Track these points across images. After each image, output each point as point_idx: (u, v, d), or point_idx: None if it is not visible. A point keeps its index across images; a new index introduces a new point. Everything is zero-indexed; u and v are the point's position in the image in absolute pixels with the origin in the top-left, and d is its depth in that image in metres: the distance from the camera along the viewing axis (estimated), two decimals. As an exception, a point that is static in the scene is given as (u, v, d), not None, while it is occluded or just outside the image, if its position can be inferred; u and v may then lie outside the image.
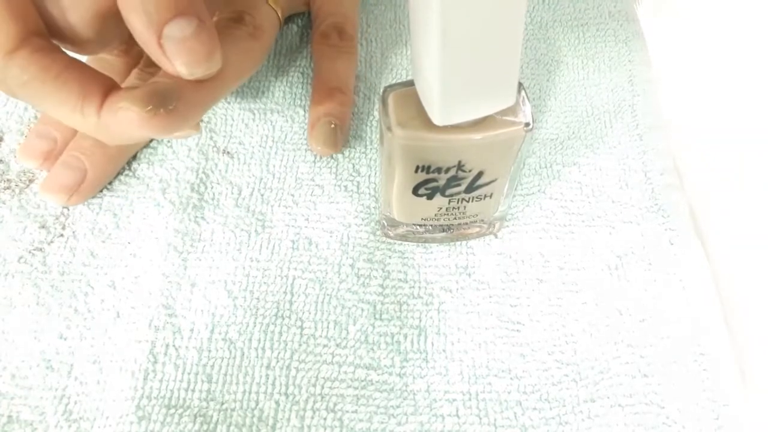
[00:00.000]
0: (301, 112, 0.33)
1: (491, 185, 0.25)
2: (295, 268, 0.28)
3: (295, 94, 0.34)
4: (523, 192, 0.31)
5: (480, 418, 0.25)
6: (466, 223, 0.28)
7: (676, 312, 0.27)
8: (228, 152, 0.32)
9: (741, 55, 0.30)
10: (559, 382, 0.26)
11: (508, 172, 0.25)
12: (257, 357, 0.26)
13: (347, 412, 0.25)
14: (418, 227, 0.28)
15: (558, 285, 0.28)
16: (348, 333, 0.27)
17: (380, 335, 0.27)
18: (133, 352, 0.26)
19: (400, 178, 0.25)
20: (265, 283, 0.28)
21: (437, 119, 0.21)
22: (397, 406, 0.25)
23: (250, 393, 0.25)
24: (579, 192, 0.31)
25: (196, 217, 0.29)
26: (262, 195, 0.30)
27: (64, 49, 0.22)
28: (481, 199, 0.26)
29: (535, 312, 0.27)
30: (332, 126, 0.31)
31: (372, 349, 0.26)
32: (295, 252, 0.29)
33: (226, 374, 0.26)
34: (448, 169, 0.24)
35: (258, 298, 0.27)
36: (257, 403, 0.25)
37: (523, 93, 0.23)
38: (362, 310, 0.27)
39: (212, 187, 0.30)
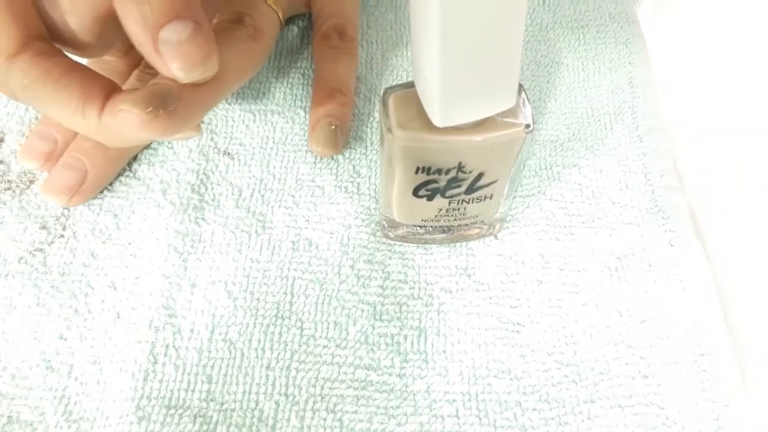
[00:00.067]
0: (302, 113, 0.33)
1: (491, 186, 0.25)
2: (296, 269, 0.28)
3: (296, 96, 0.34)
4: (523, 193, 0.31)
5: (480, 419, 0.25)
6: (467, 225, 0.28)
7: (676, 313, 0.27)
8: (228, 153, 0.32)
9: (741, 55, 0.30)
10: (558, 383, 0.26)
11: (509, 174, 0.25)
12: (257, 357, 0.26)
13: (347, 412, 0.25)
14: (418, 228, 0.28)
15: (558, 286, 0.28)
16: (348, 334, 0.27)
17: (380, 336, 0.27)
18: (133, 353, 0.26)
19: (400, 180, 0.25)
20: (265, 283, 0.28)
21: (437, 121, 0.21)
22: (397, 407, 0.25)
23: (250, 393, 0.25)
24: (579, 193, 0.31)
25: (197, 218, 0.30)
26: (262, 196, 0.30)
27: (66, 53, 0.22)
28: (481, 200, 0.26)
29: (535, 313, 0.27)
30: (333, 127, 0.31)
31: (372, 349, 0.26)
32: (296, 253, 0.29)
33: (226, 375, 0.26)
34: (448, 171, 0.24)
35: (258, 299, 0.28)
36: (257, 403, 0.25)
37: (523, 94, 0.23)
38: (362, 310, 0.27)
39: (213, 188, 0.30)
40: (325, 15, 0.34)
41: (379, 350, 0.26)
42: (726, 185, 0.30)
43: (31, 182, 0.30)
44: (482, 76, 0.19)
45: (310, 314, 0.27)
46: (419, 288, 0.28)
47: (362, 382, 0.26)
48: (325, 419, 0.25)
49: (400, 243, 0.29)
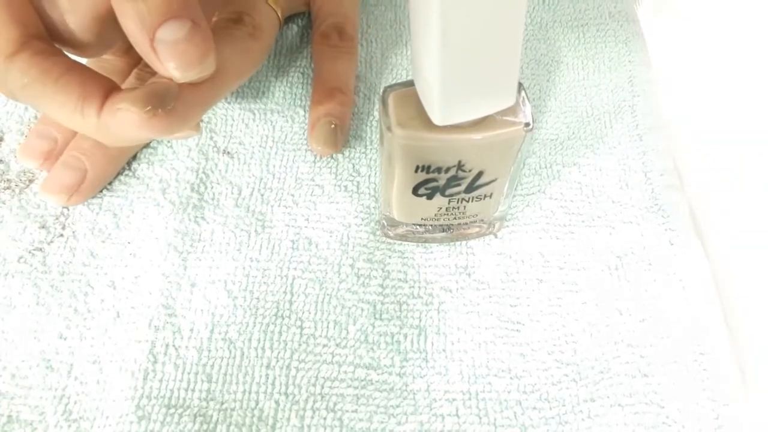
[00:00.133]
0: (302, 112, 0.33)
1: (491, 185, 0.25)
2: (295, 268, 0.28)
3: (296, 95, 0.34)
4: (523, 192, 0.31)
5: (480, 418, 0.25)
6: (466, 223, 0.28)
7: (676, 312, 0.27)
8: (228, 152, 0.32)
9: (741, 55, 0.30)
10: (558, 382, 0.26)
11: (508, 172, 0.25)
12: (257, 357, 0.26)
13: (347, 411, 0.25)
14: (418, 227, 0.28)
15: (558, 285, 0.28)
16: (348, 333, 0.27)
17: (380, 335, 0.27)
18: (133, 352, 0.26)
19: (400, 178, 0.25)
20: (264, 283, 0.28)
21: (437, 119, 0.21)
22: (397, 406, 0.25)
23: (249, 393, 0.25)
24: (579, 192, 0.31)
25: (196, 217, 0.29)
26: (262, 195, 0.30)
27: (66, 52, 0.22)
28: (481, 199, 0.26)
29: (535, 312, 0.27)
30: (332, 126, 0.31)
31: (372, 348, 0.26)
32: (295, 252, 0.29)
33: (226, 374, 0.26)
34: (448, 169, 0.24)
35: (258, 298, 0.28)
36: (257, 402, 0.25)
37: (523, 93, 0.23)
38: (362, 309, 0.27)
39: (212, 187, 0.30)
40: (325, 14, 0.34)
41: (379, 349, 0.26)
42: (726, 185, 0.30)
43: (31, 181, 0.30)
44: (482, 74, 0.19)
45: (309, 313, 0.27)
46: (419, 287, 0.28)
47: (362, 381, 0.26)
48: (325, 418, 0.25)
49: (399, 242, 0.29)
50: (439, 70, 0.19)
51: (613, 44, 0.36)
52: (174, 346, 0.26)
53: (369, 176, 0.31)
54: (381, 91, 0.27)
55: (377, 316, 0.27)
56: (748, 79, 0.29)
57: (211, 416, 0.25)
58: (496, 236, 0.29)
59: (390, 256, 0.29)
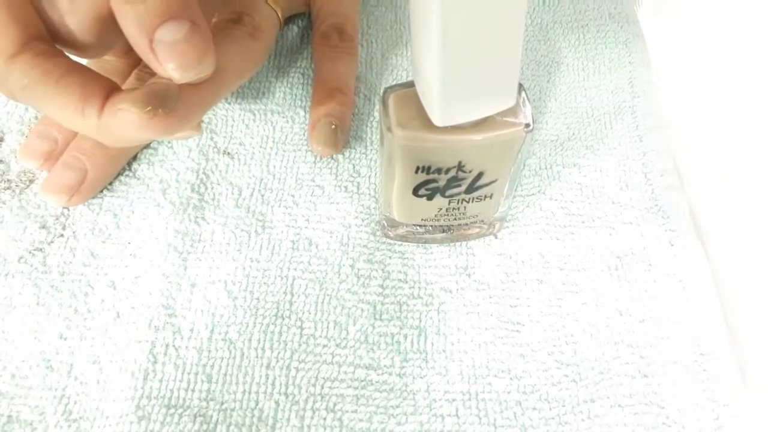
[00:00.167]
0: (302, 112, 0.33)
1: (491, 186, 0.25)
2: (295, 269, 0.28)
3: (296, 95, 0.34)
4: (523, 193, 0.31)
5: (480, 418, 0.25)
6: (466, 224, 0.28)
7: (676, 312, 0.27)
8: (228, 153, 0.32)
9: (741, 55, 0.30)
10: (558, 383, 0.26)
11: (509, 173, 0.25)
12: (257, 357, 0.26)
13: (347, 412, 0.25)
14: (418, 228, 0.28)
15: (558, 285, 0.28)
16: (348, 333, 0.27)
17: (380, 335, 0.27)
18: (133, 352, 0.26)
19: (400, 179, 0.25)
20: (265, 283, 0.28)
21: (437, 120, 0.21)
22: (397, 406, 0.25)
23: (249, 393, 0.25)
24: (579, 193, 0.31)
25: (197, 217, 0.30)
26: (262, 195, 0.30)
27: (67, 53, 0.22)
28: (481, 199, 0.26)
29: (535, 312, 0.27)
30: (333, 126, 0.31)
31: (372, 349, 0.26)
32: (295, 252, 0.29)
33: (226, 374, 0.26)
34: (448, 170, 0.24)
35: (258, 299, 0.28)
36: (257, 403, 0.25)
37: (523, 94, 0.23)
38: (362, 310, 0.27)
39: (212, 188, 0.30)
40: (325, 14, 0.34)
41: (379, 349, 0.26)
42: (726, 185, 0.30)
43: (31, 182, 0.30)
44: (482, 75, 0.19)
45: (309, 314, 0.27)
46: (419, 287, 0.28)
47: (362, 381, 0.26)
48: (324, 419, 0.25)
49: (400, 242, 0.29)
50: (440, 71, 0.19)
51: (613, 45, 0.36)
52: (174, 346, 0.26)
53: (369, 177, 0.31)
54: (381, 91, 0.27)
55: (377, 316, 0.27)
56: (748, 79, 0.29)
57: (211, 416, 0.25)
58: (496, 237, 0.29)
59: (390, 257, 0.29)
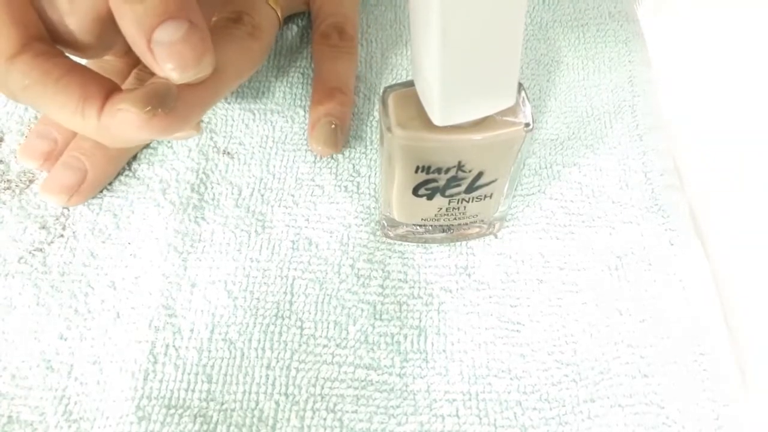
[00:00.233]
0: (302, 112, 0.33)
1: (491, 185, 0.25)
2: (295, 269, 0.28)
3: (296, 95, 0.34)
4: (523, 192, 0.31)
5: (480, 419, 0.25)
6: (466, 224, 0.28)
7: (676, 312, 0.27)
8: (228, 153, 0.32)
9: (741, 55, 0.30)
10: (559, 383, 0.26)
11: (508, 173, 0.25)
12: (257, 357, 0.26)
13: (347, 412, 0.25)
14: (418, 227, 0.28)
15: (558, 285, 0.28)
16: (348, 333, 0.27)
17: (380, 335, 0.27)
18: (133, 353, 0.26)
19: (400, 179, 0.25)
20: (265, 283, 0.28)
21: (437, 119, 0.21)
22: (397, 407, 0.25)
23: (250, 393, 0.25)
24: (579, 192, 0.31)
25: (196, 217, 0.29)
26: (262, 195, 0.30)
27: (67, 53, 0.22)
28: (481, 199, 0.26)
29: (535, 312, 0.27)
30: (332, 126, 0.31)
31: (372, 349, 0.26)
32: (295, 252, 0.29)
33: (226, 374, 0.26)
34: (448, 170, 0.24)
35: (258, 299, 0.28)
36: (257, 403, 0.25)
37: (523, 93, 0.23)
38: (362, 310, 0.27)
39: (212, 188, 0.30)
40: (325, 14, 0.34)
41: (379, 350, 0.26)
42: (726, 185, 0.30)
43: (31, 182, 0.30)
44: (482, 75, 0.19)
45: (310, 314, 0.27)
46: (419, 287, 0.28)
47: (362, 381, 0.26)
48: (325, 419, 0.25)
49: (400, 242, 0.29)
50: (439, 71, 0.19)
51: (613, 44, 0.36)
52: (174, 346, 0.26)
53: (369, 176, 0.31)
54: (381, 91, 0.27)
55: (377, 316, 0.27)
56: (747, 79, 0.29)
57: (212, 417, 0.25)
58: (496, 236, 0.29)
59: (390, 257, 0.29)
